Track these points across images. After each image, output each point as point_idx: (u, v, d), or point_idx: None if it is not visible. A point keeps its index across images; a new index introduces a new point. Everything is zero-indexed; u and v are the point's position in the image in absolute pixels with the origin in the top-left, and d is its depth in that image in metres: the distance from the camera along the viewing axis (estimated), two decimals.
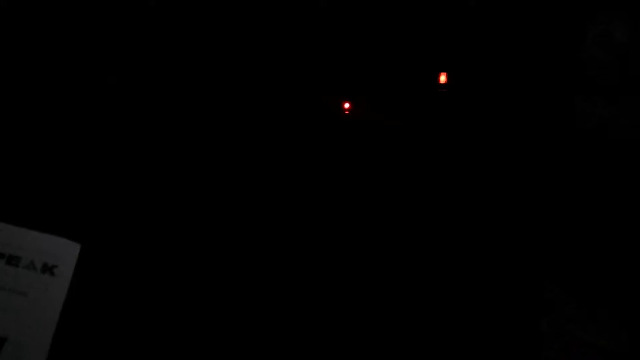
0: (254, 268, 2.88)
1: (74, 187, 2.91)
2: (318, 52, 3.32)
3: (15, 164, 2.94)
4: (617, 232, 2.86)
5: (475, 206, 3.05)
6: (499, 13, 3.26)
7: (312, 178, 3.14)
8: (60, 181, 2.91)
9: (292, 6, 3.36)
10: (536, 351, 2.68)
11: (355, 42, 3.32)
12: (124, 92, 3.19)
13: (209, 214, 2.99)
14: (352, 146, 3.20)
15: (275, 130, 3.22)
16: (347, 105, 3.26)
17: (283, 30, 3.35)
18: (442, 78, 3.23)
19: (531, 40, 3.21)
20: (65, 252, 2.27)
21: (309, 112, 3.25)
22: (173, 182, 3.04)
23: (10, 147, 2.98)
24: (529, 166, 3.08)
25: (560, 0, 3.19)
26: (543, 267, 2.85)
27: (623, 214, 2.89)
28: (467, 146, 3.17)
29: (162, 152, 3.11)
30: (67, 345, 2.25)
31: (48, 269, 2.24)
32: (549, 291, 2.77)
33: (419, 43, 3.29)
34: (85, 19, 3.26)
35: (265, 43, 3.34)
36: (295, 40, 3.34)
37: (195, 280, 2.79)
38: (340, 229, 3.03)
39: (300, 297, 2.85)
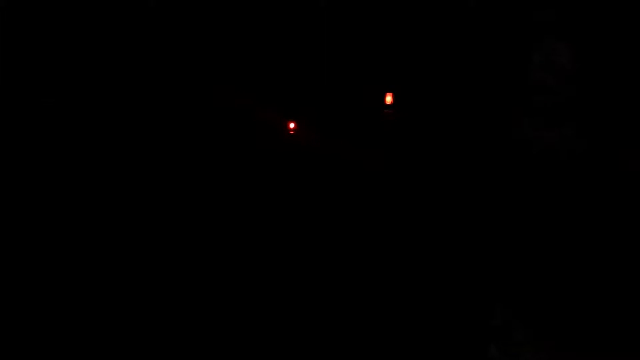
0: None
1: None
2: (265, 74, 3.34)
3: None
4: (568, 259, 2.85)
5: (423, 230, 3.03)
6: (449, 36, 3.29)
7: (258, 193, 3.14)
8: None
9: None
10: None
11: (302, 63, 3.33)
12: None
13: (129, 238, 3.13)
14: (297, 165, 3.18)
15: (224, 147, 3.22)
16: (292, 125, 3.26)
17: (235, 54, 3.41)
18: (388, 99, 3.25)
19: (478, 63, 3.24)
20: None
21: (256, 132, 3.25)
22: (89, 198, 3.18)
23: None
24: (478, 191, 3.07)
25: (507, 26, 3.24)
26: (493, 292, 2.82)
27: (572, 242, 2.89)
28: (413, 167, 3.17)
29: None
30: None
31: None
32: (498, 316, 2.74)
33: (366, 64, 3.31)
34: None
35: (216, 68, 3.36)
36: (243, 62, 3.36)
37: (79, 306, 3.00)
38: (285, 242, 3.06)
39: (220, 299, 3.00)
